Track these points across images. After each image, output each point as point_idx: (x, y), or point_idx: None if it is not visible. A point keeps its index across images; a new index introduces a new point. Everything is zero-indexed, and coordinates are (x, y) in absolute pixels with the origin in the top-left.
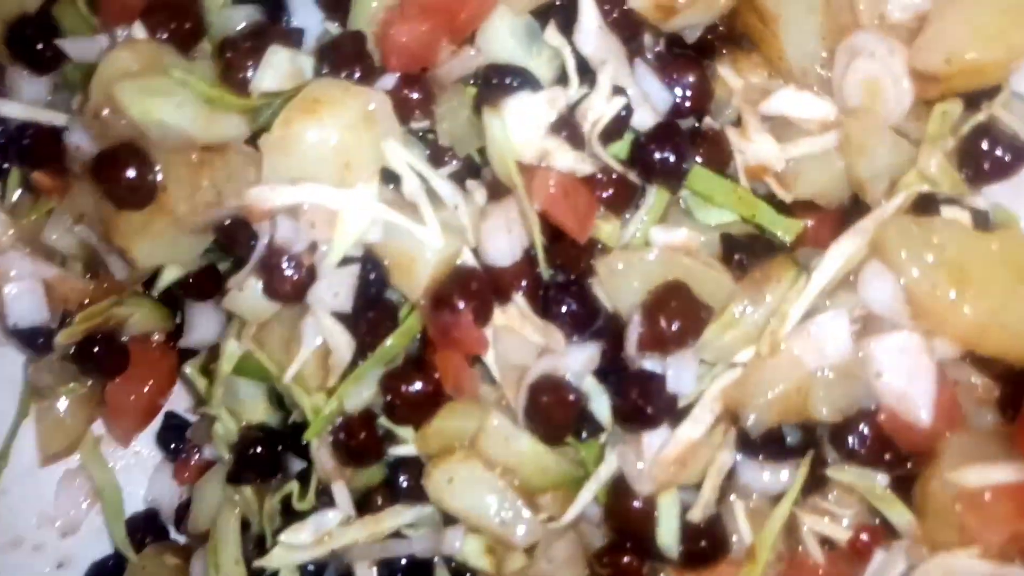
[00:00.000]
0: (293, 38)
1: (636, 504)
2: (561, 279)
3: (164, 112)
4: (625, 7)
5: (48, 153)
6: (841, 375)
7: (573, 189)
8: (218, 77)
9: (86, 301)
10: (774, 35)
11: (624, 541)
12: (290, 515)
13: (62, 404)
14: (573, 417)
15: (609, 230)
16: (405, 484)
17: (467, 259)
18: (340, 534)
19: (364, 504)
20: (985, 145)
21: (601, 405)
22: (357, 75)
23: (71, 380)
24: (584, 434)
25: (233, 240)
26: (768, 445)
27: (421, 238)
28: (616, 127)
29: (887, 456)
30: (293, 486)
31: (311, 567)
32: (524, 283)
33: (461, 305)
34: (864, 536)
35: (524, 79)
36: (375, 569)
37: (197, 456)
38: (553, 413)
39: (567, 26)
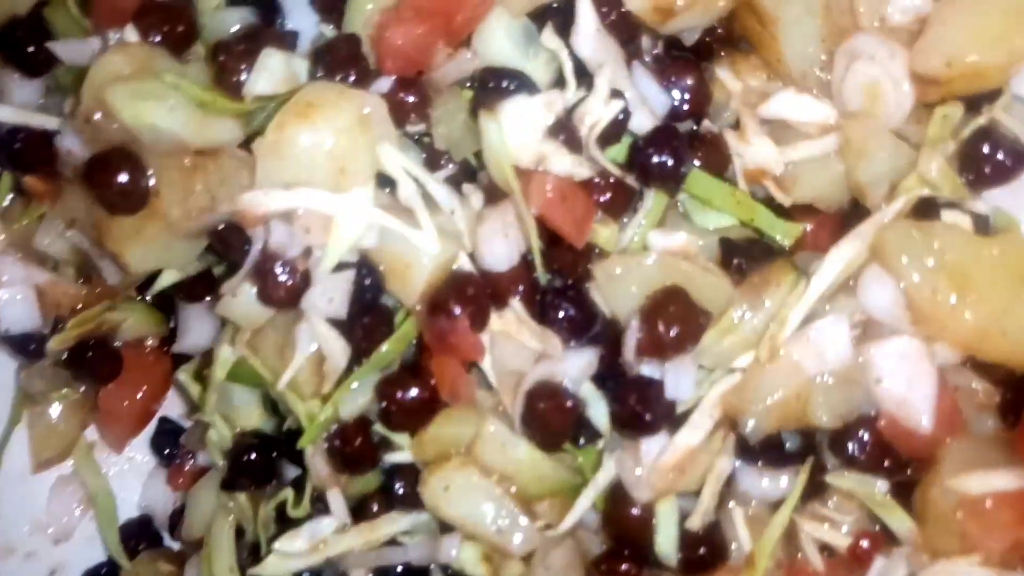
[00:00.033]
0: (287, 41)
1: (634, 511)
2: (558, 284)
3: (156, 116)
4: (623, 9)
5: (40, 157)
6: (841, 381)
7: (570, 193)
8: (211, 80)
9: (79, 306)
10: (773, 37)
11: (622, 548)
12: (285, 522)
13: (55, 410)
14: (571, 423)
15: (607, 234)
16: (401, 491)
17: (463, 264)
18: (335, 542)
19: (360, 511)
20: (986, 149)
21: (599, 411)
22: (352, 78)
23: (64, 386)
24: (582, 440)
25: (227, 245)
26: (767, 451)
27: (417, 243)
28: (614, 130)
29: (887, 462)
30: (288, 493)
31: (306, 575)
32: (521, 288)
33: (457, 311)
34: (864, 543)
35: (521, 82)
36: None
37: (191, 462)
38: (550, 419)
39: (564, 28)
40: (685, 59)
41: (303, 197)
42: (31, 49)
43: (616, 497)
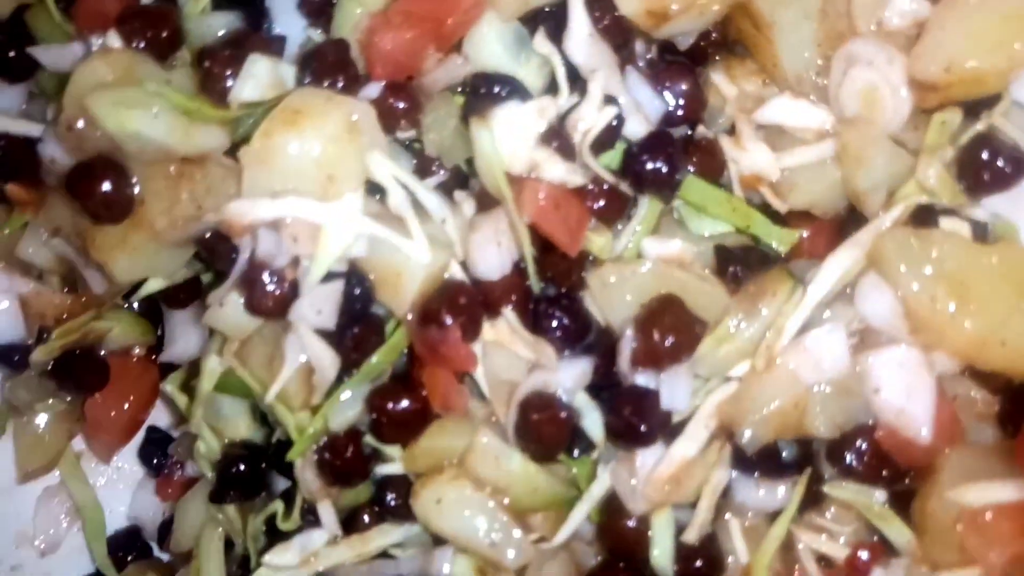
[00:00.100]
0: (274, 46)
1: (630, 523)
2: (552, 293)
3: (140, 124)
4: (616, 14)
5: (22, 165)
6: (838, 390)
7: (564, 201)
8: (197, 87)
9: (64, 316)
10: (769, 41)
11: (618, 561)
12: (275, 535)
13: (41, 420)
14: (565, 434)
15: (601, 242)
16: (393, 503)
17: (455, 273)
18: (326, 555)
19: (351, 523)
20: (985, 155)
21: (593, 422)
22: (340, 84)
23: (50, 396)
24: (576, 452)
25: (214, 254)
26: (764, 462)
27: (408, 252)
28: (607, 137)
29: (885, 472)
30: (277, 505)
31: None
32: (514, 297)
33: (449, 320)
34: (862, 554)
35: (513, 88)
36: None
37: (180, 472)
38: (544, 430)
39: (557, 33)
40: (679, 64)
41: (291, 206)
42: (12, 54)
43: (611, 509)
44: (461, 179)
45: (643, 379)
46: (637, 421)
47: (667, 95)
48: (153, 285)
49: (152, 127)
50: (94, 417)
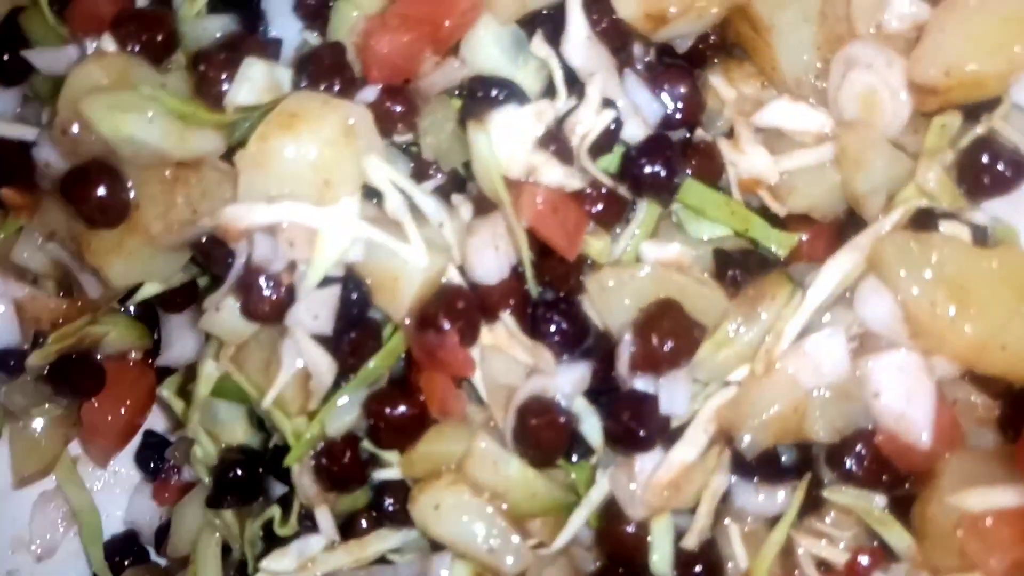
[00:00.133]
0: (270, 49)
1: (629, 529)
2: (550, 297)
3: (135, 128)
4: (614, 16)
5: (17, 169)
6: (838, 394)
7: (562, 205)
8: (192, 90)
9: (59, 320)
10: (767, 44)
11: (617, 567)
12: (272, 540)
13: (37, 424)
14: (563, 439)
15: (599, 246)
16: (390, 508)
17: (453, 277)
18: (324, 560)
19: (348, 528)
20: (985, 159)
21: (592, 427)
22: (337, 88)
23: (45, 401)
24: (575, 457)
25: (210, 258)
26: (763, 467)
27: (405, 256)
28: (605, 140)
29: (885, 477)
30: (275, 511)
31: None
32: (512, 301)
33: (447, 325)
34: (862, 559)
35: (510, 92)
36: None
37: (177, 476)
38: (543, 435)
39: (555, 36)
40: (678, 67)
41: (287, 210)
42: (6, 57)
43: (610, 514)
44: (458, 183)
45: (642, 384)
46: (636, 426)
47: (665, 98)
48: (149, 289)
49: (147, 131)
50: (90, 421)
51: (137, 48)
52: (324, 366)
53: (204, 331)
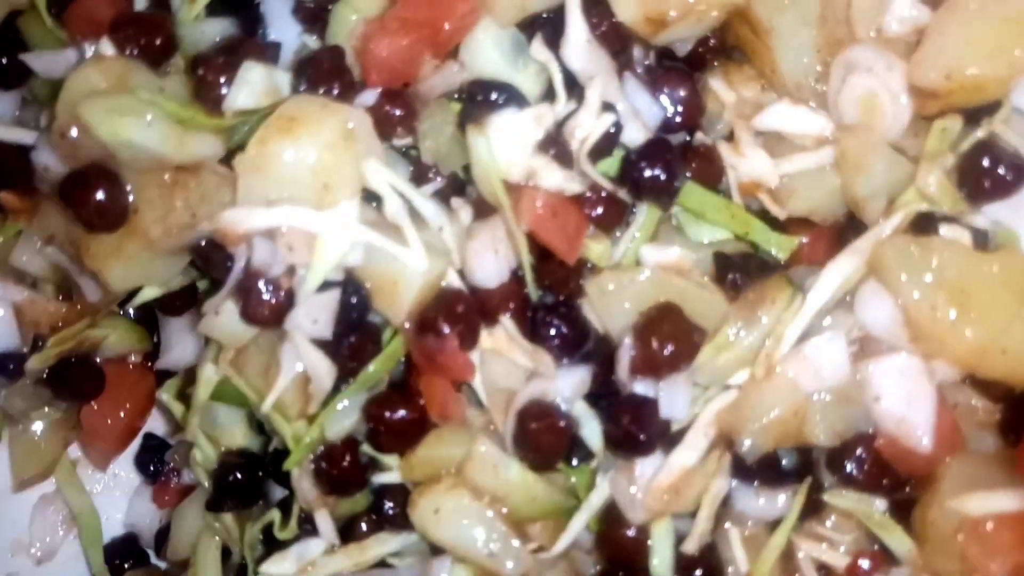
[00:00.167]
0: (269, 53)
1: (629, 533)
2: (550, 301)
3: (134, 132)
4: (614, 20)
5: (15, 173)
6: (838, 398)
7: (562, 208)
8: (191, 94)
9: (59, 324)
10: (767, 48)
11: (617, 571)
12: (272, 544)
13: (36, 428)
14: (563, 443)
15: (599, 250)
16: (390, 512)
17: (452, 281)
18: (324, 564)
19: (348, 531)
20: (986, 162)
21: (592, 431)
22: (336, 91)
23: (45, 404)
24: (575, 460)
25: (209, 262)
26: (764, 470)
27: (404, 260)
28: (605, 144)
29: (885, 481)
30: (274, 514)
31: None
32: (512, 305)
33: (446, 329)
34: (863, 563)
35: (510, 95)
36: None
37: (176, 479)
38: (543, 439)
39: (554, 40)
40: (678, 70)
41: (286, 214)
42: (5, 61)
43: (610, 518)
44: (458, 186)
45: (642, 387)
46: (636, 430)
47: (665, 101)
48: (148, 293)
49: (146, 135)
50: (90, 425)
51: (136, 52)
52: (324, 370)
53: (203, 335)
